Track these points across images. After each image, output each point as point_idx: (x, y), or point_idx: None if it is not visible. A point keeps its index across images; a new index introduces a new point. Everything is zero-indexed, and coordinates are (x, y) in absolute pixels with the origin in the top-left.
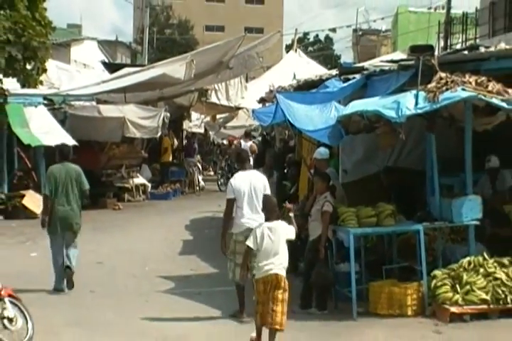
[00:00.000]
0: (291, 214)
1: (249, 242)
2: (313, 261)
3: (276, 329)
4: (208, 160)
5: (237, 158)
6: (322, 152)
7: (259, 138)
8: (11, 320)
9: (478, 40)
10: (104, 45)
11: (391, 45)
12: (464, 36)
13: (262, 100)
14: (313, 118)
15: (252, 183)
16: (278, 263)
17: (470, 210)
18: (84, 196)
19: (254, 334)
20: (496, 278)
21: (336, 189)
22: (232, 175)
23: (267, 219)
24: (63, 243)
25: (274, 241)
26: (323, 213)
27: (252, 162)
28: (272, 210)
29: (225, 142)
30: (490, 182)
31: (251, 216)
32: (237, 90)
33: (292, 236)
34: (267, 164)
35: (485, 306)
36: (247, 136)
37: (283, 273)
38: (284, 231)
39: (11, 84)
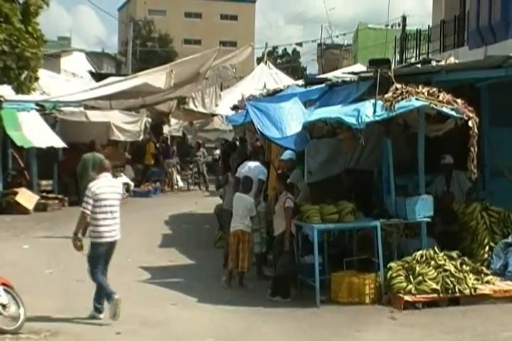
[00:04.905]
0: None
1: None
2: (280, 254)
3: (243, 271)
4: (186, 161)
5: (252, 152)
6: (287, 154)
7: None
8: (4, 307)
9: (430, 55)
10: (92, 56)
11: (352, 59)
12: (417, 51)
13: (234, 107)
14: (281, 117)
15: (248, 169)
16: (242, 222)
17: (422, 208)
18: None
19: (225, 278)
20: (445, 270)
21: (295, 187)
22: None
23: (245, 192)
24: None
25: (239, 206)
26: (286, 209)
27: None
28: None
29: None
30: (445, 180)
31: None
32: (212, 98)
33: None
34: (233, 166)
35: (435, 295)
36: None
37: (244, 228)
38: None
39: (6, 90)
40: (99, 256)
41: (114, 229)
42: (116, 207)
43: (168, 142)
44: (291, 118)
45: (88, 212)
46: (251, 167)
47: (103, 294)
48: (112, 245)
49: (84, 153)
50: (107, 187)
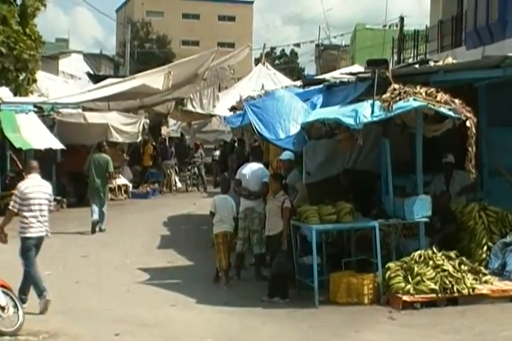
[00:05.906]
0: None
1: (211, 208)
2: (275, 253)
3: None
4: (185, 162)
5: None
6: (286, 154)
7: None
8: (2, 308)
9: (428, 55)
10: (90, 57)
11: (350, 59)
12: (415, 51)
13: (232, 108)
14: (280, 110)
15: (250, 170)
16: (230, 223)
17: (420, 208)
18: (108, 175)
19: (223, 283)
20: (443, 270)
21: (293, 188)
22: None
23: (223, 193)
24: (97, 202)
25: (227, 208)
26: (285, 209)
27: None
28: (226, 187)
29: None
30: (444, 179)
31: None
32: (210, 99)
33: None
34: (232, 167)
35: (434, 295)
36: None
37: (231, 229)
38: (232, 203)
39: (4, 92)
40: (31, 248)
41: (42, 226)
42: (45, 205)
43: (167, 143)
44: (290, 110)
45: (15, 210)
46: (253, 168)
47: (28, 286)
48: (39, 240)
49: (87, 154)
50: (35, 186)
